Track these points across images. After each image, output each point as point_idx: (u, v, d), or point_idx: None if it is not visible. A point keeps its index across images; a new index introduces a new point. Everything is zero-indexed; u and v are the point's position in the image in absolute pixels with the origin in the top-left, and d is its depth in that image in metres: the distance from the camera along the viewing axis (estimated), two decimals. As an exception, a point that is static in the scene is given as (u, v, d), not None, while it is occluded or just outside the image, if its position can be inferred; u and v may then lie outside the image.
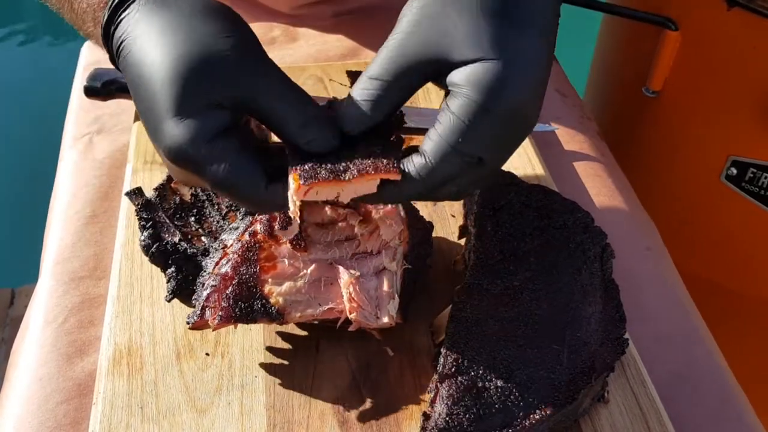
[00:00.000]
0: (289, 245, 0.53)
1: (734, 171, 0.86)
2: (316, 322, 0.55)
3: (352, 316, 0.52)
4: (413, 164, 0.43)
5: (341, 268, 0.53)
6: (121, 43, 0.44)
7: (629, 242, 0.69)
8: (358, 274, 0.53)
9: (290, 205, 0.44)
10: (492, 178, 0.47)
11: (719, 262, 0.95)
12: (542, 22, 0.43)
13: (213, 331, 0.54)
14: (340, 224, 0.55)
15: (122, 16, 0.45)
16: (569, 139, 0.81)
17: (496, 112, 0.41)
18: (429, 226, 0.60)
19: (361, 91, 0.44)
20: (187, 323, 0.52)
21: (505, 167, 0.63)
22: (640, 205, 0.77)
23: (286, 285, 0.52)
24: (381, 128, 0.45)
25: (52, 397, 0.56)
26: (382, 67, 0.43)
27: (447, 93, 0.44)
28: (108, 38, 0.46)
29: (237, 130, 0.44)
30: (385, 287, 0.54)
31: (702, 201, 0.93)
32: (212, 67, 0.42)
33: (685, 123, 0.90)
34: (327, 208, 0.54)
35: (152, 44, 0.43)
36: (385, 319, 0.53)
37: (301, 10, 0.91)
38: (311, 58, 0.87)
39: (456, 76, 0.42)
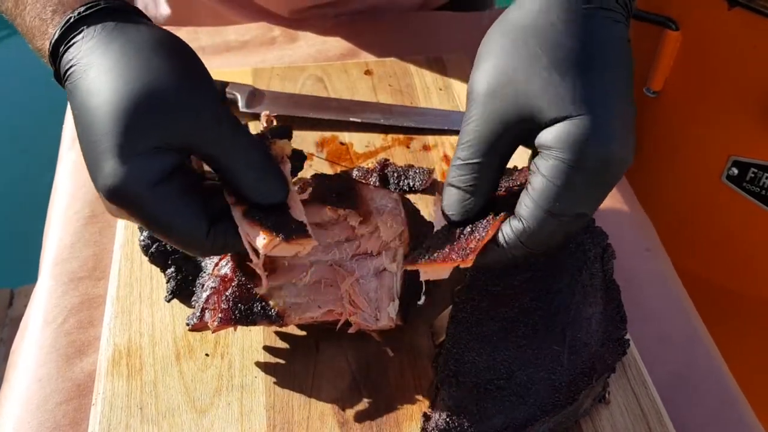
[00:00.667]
0: None
1: (735, 171, 0.86)
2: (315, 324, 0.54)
3: (351, 318, 0.52)
4: (512, 230, 0.43)
5: (341, 270, 0.53)
6: (71, 67, 0.43)
7: (629, 243, 0.69)
8: (358, 275, 0.53)
9: (254, 257, 0.44)
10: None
11: (720, 263, 0.95)
12: (618, 61, 0.43)
13: (213, 333, 0.54)
14: (340, 225, 0.54)
15: (74, 40, 0.44)
16: (570, 139, 0.80)
17: (587, 168, 0.40)
18: (430, 227, 0.60)
19: (459, 178, 0.44)
20: (187, 325, 0.52)
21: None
22: (639, 206, 0.77)
23: (286, 287, 0.52)
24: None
25: (52, 397, 0.56)
26: (471, 148, 0.43)
27: (535, 153, 0.43)
28: (56, 57, 0.45)
29: (181, 171, 0.43)
30: (385, 289, 0.53)
31: (703, 201, 0.93)
32: (161, 110, 0.41)
33: (685, 123, 0.90)
34: (327, 209, 0.54)
35: (102, 77, 0.41)
36: (385, 321, 0.53)
37: (302, 14, 0.91)
38: (311, 58, 0.87)
39: (543, 137, 0.42)
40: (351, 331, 0.53)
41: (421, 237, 0.58)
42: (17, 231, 1.86)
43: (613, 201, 0.74)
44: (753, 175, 0.84)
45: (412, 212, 0.58)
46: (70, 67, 0.43)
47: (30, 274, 0.74)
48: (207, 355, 0.55)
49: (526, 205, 0.42)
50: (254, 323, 0.51)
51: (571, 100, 0.41)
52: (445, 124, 0.75)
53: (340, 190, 0.55)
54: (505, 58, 0.43)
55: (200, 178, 0.46)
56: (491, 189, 0.45)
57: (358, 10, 0.92)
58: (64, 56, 0.44)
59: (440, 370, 0.49)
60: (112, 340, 0.56)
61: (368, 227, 0.54)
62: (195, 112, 0.42)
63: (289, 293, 0.52)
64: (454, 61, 0.84)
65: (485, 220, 0.45)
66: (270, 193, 0.44)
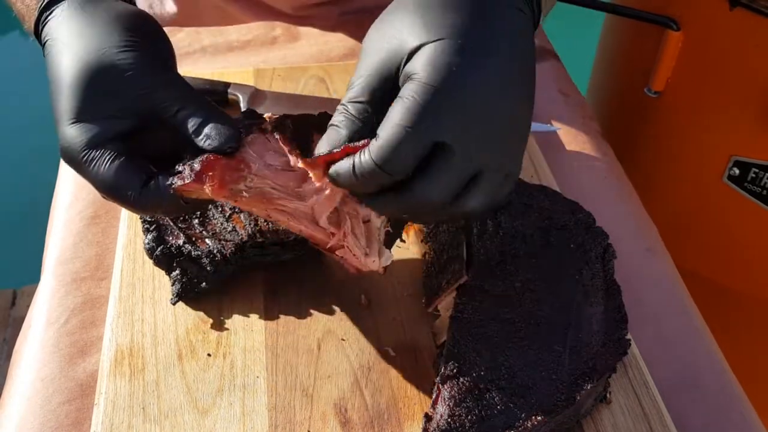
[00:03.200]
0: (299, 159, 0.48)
1: (736, 171, 0.86)
2: (291, 238, 0.53)
3: (341, 243, 0.50)
4: (368, 149, 0.42)
5: (349, 199, 0.50)
6: (45, 42, 0.48)
7: (630, 243, 0.69)
8: (361, 213, 0.50)
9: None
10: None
11: (721, 263, 0.95)
12: (469, 4, 0.43)
13: (211, 195, 0.47)
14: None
15: (48, 18, 0.48)
16: (571, 139, 0.81)
17: (450, 92, 0.40)
18: None
19: (337, 117, 0.44)
20: (170, 185, 0.46)
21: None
22: (641, 206, 0.77)
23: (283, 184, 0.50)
24: None
25: (54, 397, 0.56)
26: (352, 91, 0.44)
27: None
28: (38, 36, 0.50)
29: (130, 137, 0.46)
30: (372, 236, 0.52)
31: (704, 201, 0.92)
32: (110, 80, 0.44)
33: (687, 123, 0.90)
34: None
35: (65, 49, 0.46)
36: (373, 260, 0.51)
37: (306, 10, 0.91)
38: (312, 58, 0.87)
39: (409, 67, 0.42)
40: (338, 254, 0.51)
41: None
42: (20, 231, 1.86)
43: (615, 201, 0.74)
44: (754, 176, 0.84)
45: None
46: (45, 42, 0.48)
47: (33, 275, 0.74)
48: (209, 355, 0.56)
49: (383, 124, 0.41)
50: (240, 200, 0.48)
51: (428, 27, 0.41)
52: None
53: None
54: (384, 15, 0.46)
55: (153, 142, 0.48)
56: (364, 127, 0.44)
57: (362, 8, 0.92)
58: (41, 33, 0.49)
59: (441, 371, 0.49)
60: (114, 340, 0.56)
61: None
62: (143, 83, 0.45)
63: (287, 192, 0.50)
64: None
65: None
66: (214, 139, 0.46)
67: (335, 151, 0.44)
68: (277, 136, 0.49)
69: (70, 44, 0.46)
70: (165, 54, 0.48)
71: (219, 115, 0.47)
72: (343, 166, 0.43)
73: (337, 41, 0.89)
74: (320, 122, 0.50)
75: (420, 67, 0.41)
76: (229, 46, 0.88)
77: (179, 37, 0.89)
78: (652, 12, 0.86)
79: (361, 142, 0.43)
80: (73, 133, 0.45)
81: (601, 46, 1.09)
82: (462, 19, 0.42)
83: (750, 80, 0.80)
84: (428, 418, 0.48)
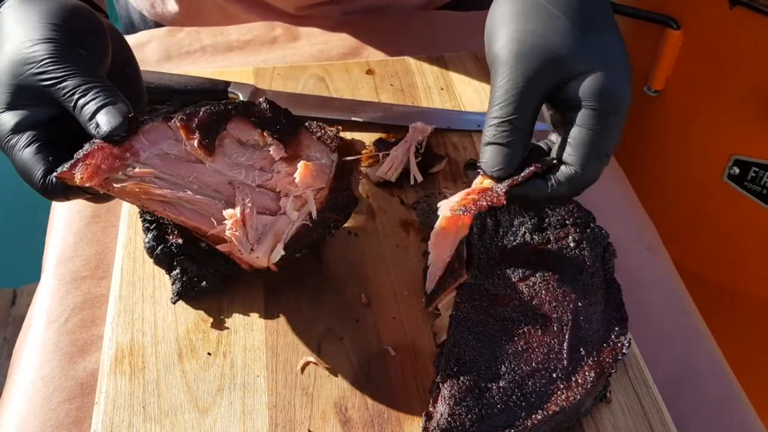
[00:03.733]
0: (196, 143, 0.51)
1: (736, 170, 0.86)
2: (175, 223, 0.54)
3: (228, 233, 0.51)
4: (561, 174, 0.49)
5: (240, 191, 0.53)
6: None
7: (630, 242, 0.69)
8: (253, 204, 0.53)
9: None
10: None
11: (721, 261, 0.95)
12: (611, 19, 0.49)
13: (80, 183, 0.48)
14: (261, 152, 0.54)
15: (1, 9, 0.51)
16: (571, 138, 0.81)
17: (616, 112, 0.47)
18: (353, 202, 0.59)
19: (498, 135, 0.48)
20: (54, 174, 0.48)
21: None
22: (640, 205, 0.77)
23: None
24: None
25: (55, 396, 0.56)
26: (508, 106, 0.48)
27: (561, 109, 0.50)
28: None
29: (55, 125, 0.49)
30: (274, 230, 0.53)
31: (704, 200, 0.93)
32: (24, 71, 0.47)
33: (687, 122, 0.90)
34: (257, 131, 0.54)
35: (2, 41, 0.49)
36: (261, 255, 0.53)
37: (308, 10, 0.91)
38: (312, 58, 0.87)
39: (573, 91, 0.48)
40: (220, 247, 0.53)
41: (339, 206, 0.58)
42: (20, 230, 1.86)
43: (614, 200, 0.74)
44: (754, 174, 0.84)
45: (342, 176, 0.58)
46: None
47: (33, 274, 0.74)
48: (209, 354, 0.56)
49: (571, 154, 0.48)
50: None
51: (596, 55, 0.47)
52: (447, 124, 0.75)
53: (281, 123, 0.56)
54: (524, 22, 0.49)
55: (73, 130, 0.49)
56: (526, 145, 0.50)
57: (363, 8, 0.92)
58: None
59: (442, 369, 0.49)
60: (114, 339, 0.56)
61: (288, 168, 0.54)
62: (46, 72, 0.47)
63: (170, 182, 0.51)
64: (456, 61, 0.84)
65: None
66: (102, 127, 0.48)
67: (522, 176, 0.49)
68: (178, 125, 0.51)
69: (4, 38, 0.49)
70: (90, 45, 0.50)
71: (114, 103, 0.48)
72: (533, 190, 0.49)
73: (337, 40, 0.89)
74: (234, 113, 0.53)
75: (593, 95, 0.47)
76: (230, 46, 0.88)
77: (180, 37, 0.89)
78: (652, 11, 0.86)
79: (537, 166, 0.49)
80: (2, 119, 0.48)
81: (601, 46, 1.09)
82: (611, 42, 0.49)
83: (750, 79, 0.80)
84: (428, 416, 0.48)
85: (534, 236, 0.57)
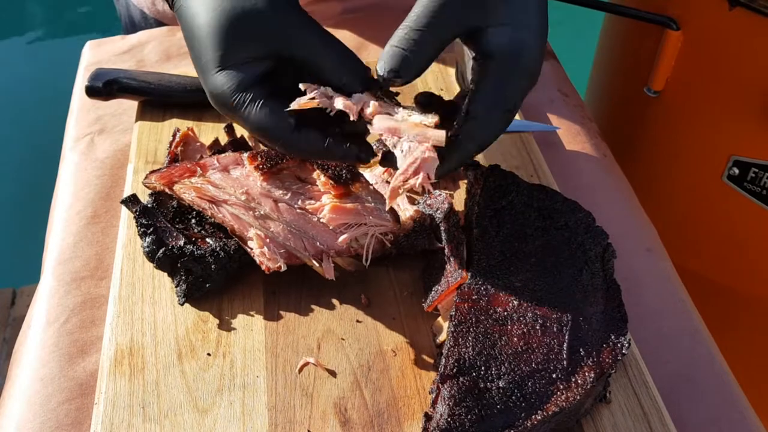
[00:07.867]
0: (254, 166, 0.60)
1: (736, 171, 0.86)
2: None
3: (250, 245, 0.57)
4: (468, 127, 0.49)
5: (275, 209, 0.59)
6: (176, 4, 0.51)
7: (630, 242, 0.69)
8: (279, 226, 0.59)
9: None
10: None
11: (720, 262, 0.95)
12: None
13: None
14: (313, 185, 0.60)
15: None
16: (570, 139, 0.81)
17: (520, 66, 0.48)
18: (432, 248, 0.62)
19: (403, 39, 0.48)
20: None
21: (507, 167, 0.63)
22: (639, 206, 0.77)
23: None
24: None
25: (54, 396, 0.56)
26: (424, 18, 0.48)
27: (479, 60, 0.49)
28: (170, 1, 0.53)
29: (273, 78, 0.49)
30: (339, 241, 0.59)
31: (703, 201, 0.93)
32: (249, 23, 0.47)
33: (686, 123, 0.90)
34: (315, 173, 0.60)
35: (198, 4, 0.48)
36: (316, 264, 0.58)
37: (309, 7, 0.91)
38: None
39: (489, 43, 0.48)
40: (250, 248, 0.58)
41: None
42: (19, 231, 1.87)
43: (614, 201, 0.74)
44: (754, 175, 0.84)
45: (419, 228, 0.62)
46: (175, 4, 0.51)
47: (32, 274, 0.74)
48: (209, 354, 0.56)
49: (480, 103, 0.49)
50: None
51: (514, 9, 0.48)
52: (447, 124, 0.75)
53: (342, 174, 0.60)
54: None
55: (292, 83, 0.50)
56: (424, 65, 0.49)
57: (363, 6, 0.92)
58: None
59: (441, 370, 0.49)
60: (114, 339, 0.56)
61: (345, 200, 0.59)
62: (279, 23, 0.47)
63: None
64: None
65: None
66: (350, 82, 0.49)
67: (448, 289, 0.53)
68: (246, 154, 0.61)
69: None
70: None
71: (353, 59, 0.50)
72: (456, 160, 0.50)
73: (340, 37, 0.89)
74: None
75: (505, 51, 0.48)
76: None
77: (180, 37, 0.89)
78: (651, 12, 0.86)
79: (460, 276, 0.53)
80: (221, 80, 0.48)
81: (601, 46, 1.09)
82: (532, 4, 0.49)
83: (749, 80, 0.80)
84: (428, 417, 0.48)
85: (534, 237, 0.57)
